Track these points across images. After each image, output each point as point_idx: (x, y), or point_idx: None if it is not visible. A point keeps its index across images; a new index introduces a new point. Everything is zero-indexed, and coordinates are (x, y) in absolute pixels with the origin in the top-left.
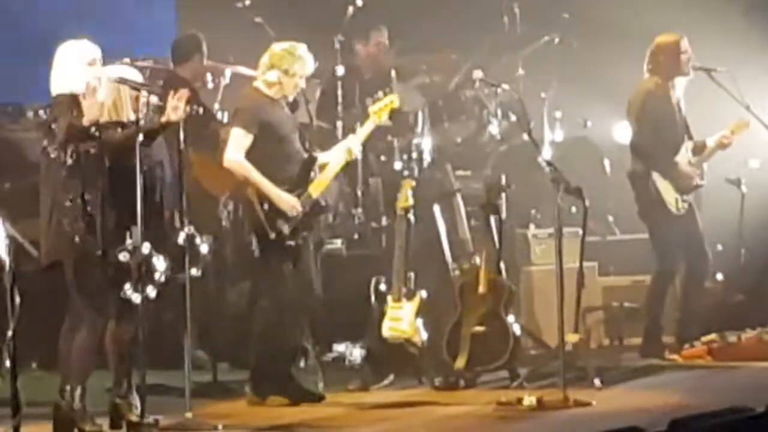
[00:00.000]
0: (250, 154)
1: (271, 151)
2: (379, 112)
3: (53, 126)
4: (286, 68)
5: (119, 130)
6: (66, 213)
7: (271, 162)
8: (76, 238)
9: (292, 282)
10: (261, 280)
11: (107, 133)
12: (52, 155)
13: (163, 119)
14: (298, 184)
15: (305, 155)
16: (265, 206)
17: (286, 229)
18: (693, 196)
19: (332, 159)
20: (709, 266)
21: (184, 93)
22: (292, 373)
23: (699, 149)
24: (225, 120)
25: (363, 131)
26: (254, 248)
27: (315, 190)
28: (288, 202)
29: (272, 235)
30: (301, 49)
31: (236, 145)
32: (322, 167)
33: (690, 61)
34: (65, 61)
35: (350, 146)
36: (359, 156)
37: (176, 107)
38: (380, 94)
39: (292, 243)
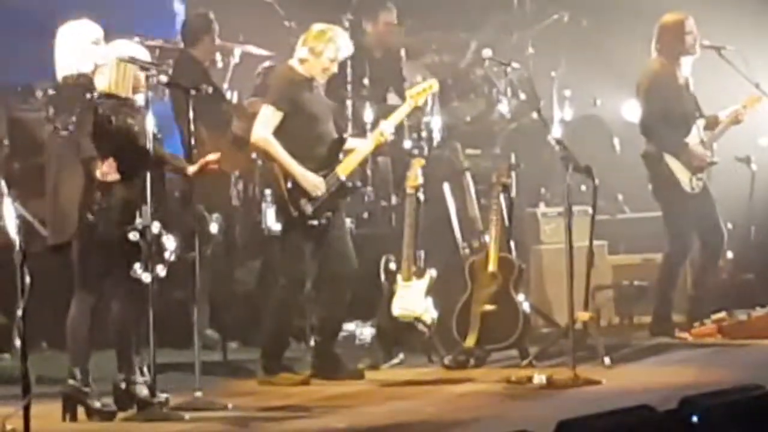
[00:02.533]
0: (280, 131)
1: (301, 130)
2: (416, 96)
3: (62, 107)
4: (313, 46)
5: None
6: (74, 193)
7: (301, 140)
8: (85, 218)
9: (327, 256)
10: (280, 258)
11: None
12: (61, 135)
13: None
14: (326, 164)
15: (335, 136)
16: (289, 184)
17: (309, 208)
18: (707, 174)
19: (363, 142)
20: (724, 243)
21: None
22: (335, 351)
23: (712, 124)
24: (234, 99)
25: (398, 114)
26: (273, 225)
27: (343, 171)
28: (312, 182)
29: (294, 213)
30: (335, 32)
31: (264, 122)
32: (351, 151)
33: (696, 41)
34: (69, 42)
35: (383, 129)
36: (390, 138)
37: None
38: (419, 77)
39: (314, 222)
